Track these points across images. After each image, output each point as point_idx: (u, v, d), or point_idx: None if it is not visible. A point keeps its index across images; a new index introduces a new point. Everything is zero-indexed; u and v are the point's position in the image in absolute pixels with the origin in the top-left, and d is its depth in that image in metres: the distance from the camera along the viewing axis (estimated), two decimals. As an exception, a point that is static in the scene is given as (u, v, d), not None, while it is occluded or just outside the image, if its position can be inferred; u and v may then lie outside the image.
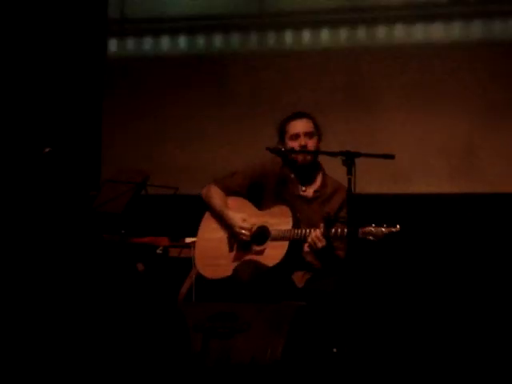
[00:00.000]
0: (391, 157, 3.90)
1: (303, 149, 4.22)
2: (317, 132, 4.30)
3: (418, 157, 6.04)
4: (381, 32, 6.25)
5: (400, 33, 6.21)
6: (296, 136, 4.25)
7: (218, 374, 3.78)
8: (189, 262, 4.49)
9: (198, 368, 3.80)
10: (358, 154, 3.81)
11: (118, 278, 5.34)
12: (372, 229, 3.79)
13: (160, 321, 4.52)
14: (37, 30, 6.51)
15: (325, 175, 4.35)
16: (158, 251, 5.35)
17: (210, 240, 4.35)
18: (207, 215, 4.43)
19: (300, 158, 4.25)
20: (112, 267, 5.38)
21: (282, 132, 4.31)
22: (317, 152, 4.20)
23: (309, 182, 4.32)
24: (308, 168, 4.30)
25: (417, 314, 5.59)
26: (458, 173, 5.98)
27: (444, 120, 6.02)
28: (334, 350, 3.95)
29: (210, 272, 4.29)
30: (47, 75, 6.52)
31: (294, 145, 4.24)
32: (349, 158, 3.78)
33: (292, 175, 4.31)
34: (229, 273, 4.18)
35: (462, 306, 5.60)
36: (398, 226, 3.79)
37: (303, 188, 4.31)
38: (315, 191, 4.30)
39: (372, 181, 5.87)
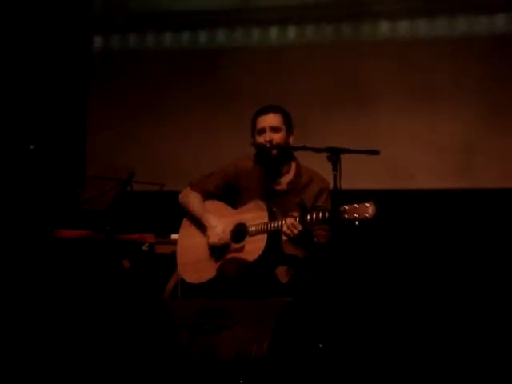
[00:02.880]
0: (376, 153, 3.90)
1: (268, 143, 4.23)
2: (285, 126, 4.30)
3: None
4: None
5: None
6: (262, 131, 4.28)
7: (203, 370, 3.78)
8: (175, 259, 4.49)
9: (184, 364, 3.80)
10: (343, 150, 3.82)
11: (103, 275, 5.33)
12: (346, 207, 3.76)
13: (146, 317, 4.52)
14: (21, 27, 6.49)
15: (299, 165, 4.36)
16: (144, 248, 5.34)
17: (190, 246, 4.37)
18: (184, 222, 4.46)
19: (273, 151, 4.26)
20: (98, 264, 5.38)
21: (252, 127, 4.34)
22: (301, 148, 4.20)
23: (282, 173, 4.33)
24: (280, 160, 4.30)
25: (406, 308, 5.63)
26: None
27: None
28: (320, 345, 3.97)
29: (194, 277, 4.30)
30: (32, 72, 6.50)
31: (261, 139, 4.26)
32: (334, 154, 3.78)
33: (265, 170, 4.32)
34: (213, 274, 4.19)
35: (452, 301, 5.65)
36: (371, 201, 3.75)
37: (278, 181, 4.32)
38: (289, 183, 4.31)
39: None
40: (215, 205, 4.39)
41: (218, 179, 4.40)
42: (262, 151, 4.28)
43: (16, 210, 5.81)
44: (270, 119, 4.29)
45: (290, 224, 3.96)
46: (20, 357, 4.41)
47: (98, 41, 6.77)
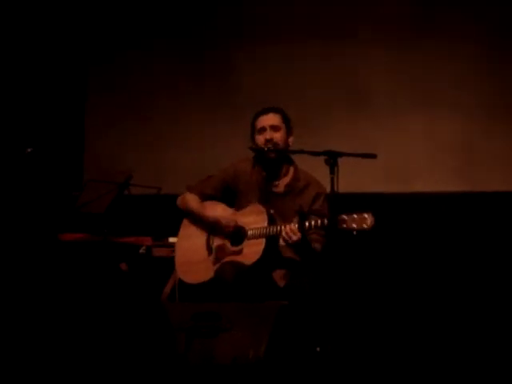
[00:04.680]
0: (373, 156, 3.91)
1: (269, 142, 4.25)
2: (284, 126, 4.33)
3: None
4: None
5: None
6: (262, 129, 4.30)
7: (201, 374, 3.78)
8: (172, 262, 4.49)
9: (182, 367, 3.80)
10: (340, 154, 3.82)
11: (101, 278, 5.32)
12: (344, 216, 3.78)
13: (144, 320, 4.52)
14: (19, 30, 6.48)
15: (297, 169, 4.37)
16: (141, 251, 5.34)
17: (189, 247, 4.38)
18: (184, 222, 4.48)
19: (272, 154, 4.27)
20: (95, 267, 5.37)
21: (252, 129, 4.37)
22: (299, 151, 4.20)
23: (280, 176, 4.34)
24: (279, 162, 4.32)
25: (404, 312, 5.63)
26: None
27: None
28: (317, 349, 3.97)
29: (192, 277, 4.31)
30: (29, 74, 6.49)
31: (261, 138, 4.29)
32: (331, 158, 3.79)
33: (264, 173, 4.33)
34: (211, 275, 4.20)
35: (452, 306, 5.65)
36: (369, 213, 3.76)
37: (275, 183, 4.33)
38: (286, 185, 4.33)
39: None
40: (214, 205, 4.40)
41: (216, 182, 4.41)
42: (259, 154, 4.29)
43: (15, 213, 5.80)
44: (270, 118, 4.32)
45: (289, 230, 3.97)
46: (20, 356, 4.42)
47: (96, 45, 6.75)
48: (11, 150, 5.53)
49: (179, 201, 4.47)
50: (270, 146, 4.25)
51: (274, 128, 4.30)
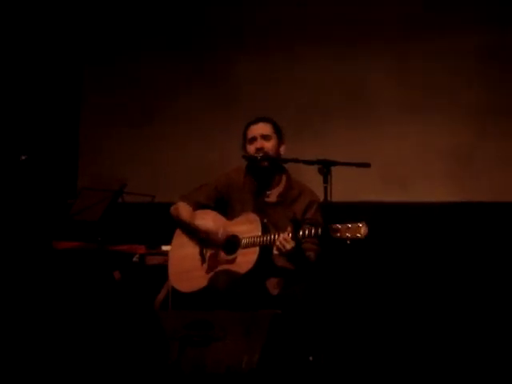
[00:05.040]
0: (367, 165, 3.91)
1: (260, 150, 4.26)
2: (275, 135, 4.33)
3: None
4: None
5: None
6: (253, 139, 4.31)
7: (193, 383, 3.77)
8: (165, 270, 4.48)
9: (175, 376, 3.79)
10: (334, 163, 3.83)
11: (94, 286, 5.32)
12: (338, 226, 3.77)
13: (137, 329, 4.51)
14: (13, 33, 6.46)
15: (289, 178, 4.37)
16: (135, 259, 5.34)
17: (182, 256, 4.37)
18: (177, 233, 4.47)
19: (264, 163, 4.27)
20: (89, 275, 5.37)
21: (243, 139, 4.38)
22: (292, 160, 4.20)
23: (273, 185, 4.34)
24: (271, 171, 4.32)
25: (397, 322, 5.63)
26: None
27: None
28: (311, 358, 3.96)
29: (185, 286, 4.30)
30: (23, 81, 6.49)
31: (252, 148, 4.30)
32: (325, 167, 3.79)
33: (256, 182, 4.33)
34: (204, 283, 4.19)
35: (443, 313, 5.65)
36: (363, 222, 3.76)
37: (267, 193, 4.33)
38: (279, 195, 4.32)
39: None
40: (208, 214, 4.39)
41: (209, 191, 4.41)
42: (252, 162, 4.30)
43: (9, 220, 5.79)
44: (261, 128, 4.34)
45: (283, 239, 3.97)
46: (14, 361, 4.42)
47: (90, 49, 6.75)
48: (5, 158, 5.53)
49: (172, 210, 4.47)
50: (261, 154, 4.26)
51: (265, 137, 4.30)
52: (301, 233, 3.94)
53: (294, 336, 3.94)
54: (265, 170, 4.29)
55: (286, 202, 4.31)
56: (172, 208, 4.46)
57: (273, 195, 4.33)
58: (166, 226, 4.50)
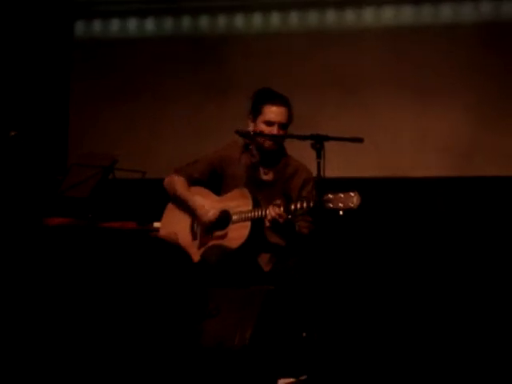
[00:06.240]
0: (360, 140, 3.87)
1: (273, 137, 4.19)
2: (290, 122, 4.26)
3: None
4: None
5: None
6: (271, 123, 4.20)
7: (186, 358, 3.77)
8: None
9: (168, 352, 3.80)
10: (327, 138, 3.79)
11: (87, 263, 5.29)
12: (330, 195, 3.74)
13: (132, 306, 4.50)
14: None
15: (287, 156, 4.34)
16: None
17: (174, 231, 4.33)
18: (169, 207, 4.45)
19: (268, 143, 4.22)
20: (80, 251, 5.34)
21: (256, 111, 4.26)
22: (286, 136, 4.18)
23: (271, 165, 4.30)
24: (274, 153, 4.28)
25: (391, 297, 5.63)
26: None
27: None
28: (303, 334, 3.96)
29: None
30: (12, 58, 6.43)
31: (266, 130, 4.20)
32: (317, 142, 3.76)
33: (254, 160, 4.29)
34: (197, 259, 4.18)
35: (439, 290, 5.65)
36: (355, 191, 3.72)
37: (265, 170, 4.30)
38: (276, 173, 4.29)
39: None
40: (200, 190, 4.36)
41: (203, 165, 4.37)
42: (253, 140, 4.24)
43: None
44: (282, 115, 4.22)
45: (274, 212, 3.94)
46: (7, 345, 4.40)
47: (79, 26, 6.69)
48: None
49: (166, 182, 4.43)
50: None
51: (283, 126, 4.21)
52: (292, 206, 3.91)
53: (286, 312, 3.93)
54: (269, 151, 4.23)
55: (281, 180, 4.28)
56: (166, 181, 4.42)
57: (270, 174, 4.30)
58: (157, 202, 4.47)
